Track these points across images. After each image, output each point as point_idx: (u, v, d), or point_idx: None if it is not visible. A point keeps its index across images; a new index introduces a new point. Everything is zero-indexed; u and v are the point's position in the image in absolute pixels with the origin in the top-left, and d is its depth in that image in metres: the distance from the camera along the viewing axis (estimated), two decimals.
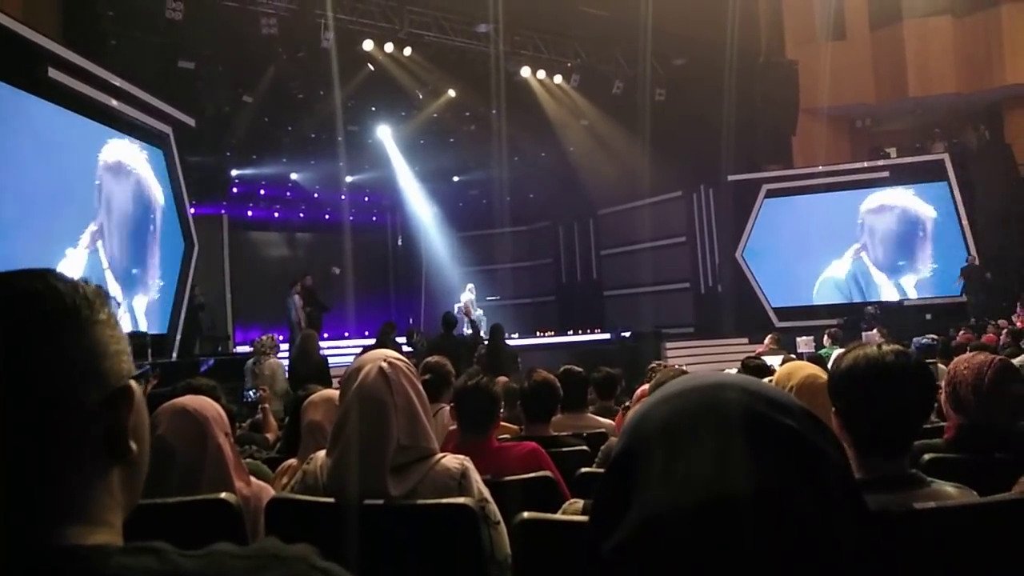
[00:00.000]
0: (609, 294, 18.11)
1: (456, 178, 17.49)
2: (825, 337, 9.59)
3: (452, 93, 13.22)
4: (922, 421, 1.64)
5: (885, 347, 1.57)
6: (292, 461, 2.49)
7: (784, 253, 14.50)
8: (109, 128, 9.28)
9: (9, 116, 7.37)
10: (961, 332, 9.16)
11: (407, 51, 11.95)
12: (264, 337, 8.41)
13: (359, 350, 8.70)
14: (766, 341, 9.83)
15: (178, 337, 10.80)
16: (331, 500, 1.79)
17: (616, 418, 3.78)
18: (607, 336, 15.12)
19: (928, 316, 12.79)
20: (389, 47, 11.79)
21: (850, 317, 12.71)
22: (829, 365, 2.32)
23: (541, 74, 13.34)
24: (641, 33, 11.44)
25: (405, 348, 10.11)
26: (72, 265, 8.25)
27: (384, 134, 15.01)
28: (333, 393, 2.48)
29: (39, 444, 0.62)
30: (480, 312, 13.69)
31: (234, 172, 15.55)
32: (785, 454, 0.55)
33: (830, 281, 14.69)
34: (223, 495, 1.81)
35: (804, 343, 10.24)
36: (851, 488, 0.57)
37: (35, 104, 7.86)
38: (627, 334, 13.75)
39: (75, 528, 0.62)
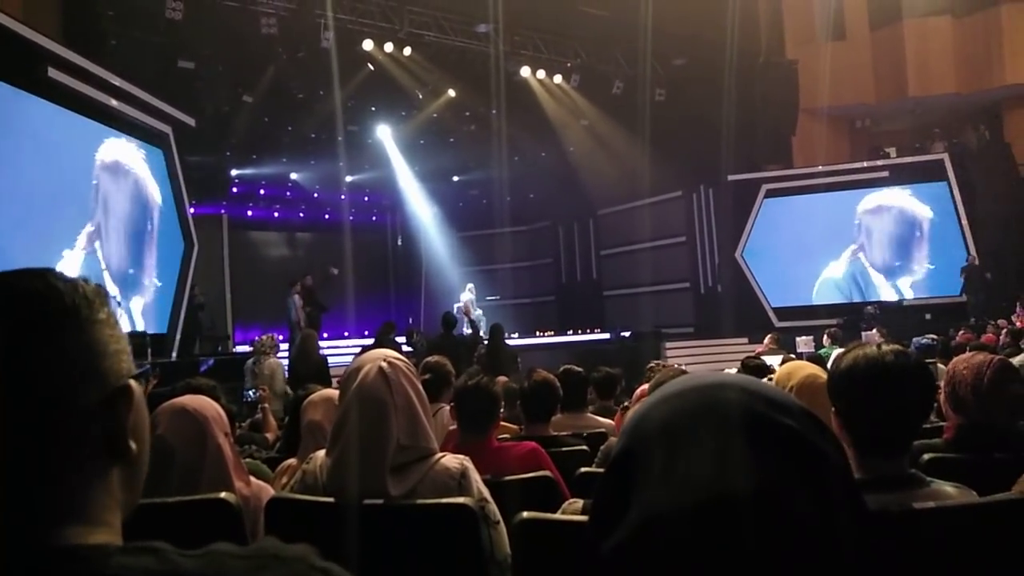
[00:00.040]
0: (609, 294, 18.11)
1: (456, 178, 17.50)
2: (824, 337, 9.59)
3: (452, 93, 13.23)
4: (922, 421, 1.64)
5: (885, 347, 1.57)
6: (292, 461, 2.49)
7: (784, 253, 14.50)
8: (107, 127, 9.27)
9: (7, 116, 7.37)
10: (961, 332, 9.16)
11: (407, 51, 11.95)
12: (264, 337, 8.41)
13: (358, 350, 8.71)
14: (766, 341, 9.83)
15: (178, 337, 10.80)
16: (331, 500, 1.79)
17: (615, 418, 3.78)
18: (607, 336, 15.12)
19: (927, 316, 12.79)
20: (389, 47, 11.80)
21: (849, 317, 12.72)
22: (828, 365, 2.32)
23: (541, 74, 13.34)
24: (641, 33, 11.44)
25: (405, 348, 10.11)
26: (69, 265, 8.25)
27: (384, 134, 15.02)
28: (333, 393, 2.48)
29: (38, 444, 0.62)
30: (480, 312, 13.69)
31: (234, 172, 15.55)
32: (785, 454, 0.55)
33: (830, 281, 14.69)
34: (223, 495, 1.81)
35: (804, 343, 10.24)
36: (851, 488, 0.57)
37: (33, 104, 7.85)
38: (627, 334, 13.75)
39: (74, 528, 0.62)
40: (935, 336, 7.41)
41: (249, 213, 17.63)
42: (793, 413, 0.57)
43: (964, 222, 13.74)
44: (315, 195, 17.30)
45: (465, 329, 11.53)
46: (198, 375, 6.25)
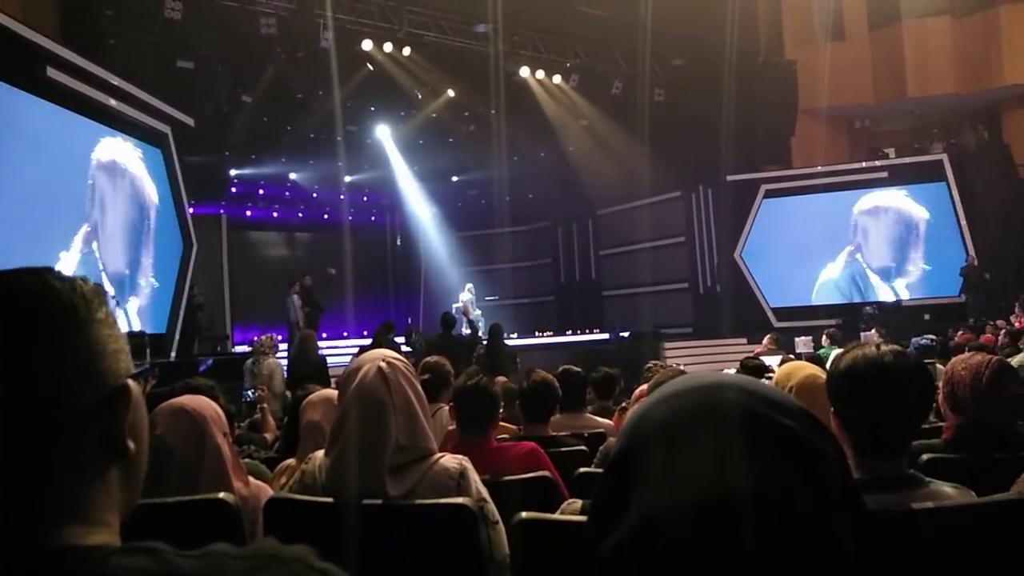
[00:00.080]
0: (608, 294, 18.11)
1: (455, 178, 17.50)
2: (823, 337, 9.60)
3: (451, 93, 13.22)
4: (921, 421, 1.64)
5: (884, 347, 1.58)
6: (291, 461, 2.49)
7: (783, 253, 14.51)
8: (105, 127, 9.25)
9: (5, 116, 7.36)
10: (960, 332, 9.16)
11: (406, 51, 11.95)
12: (263, 337, 8.42)
13: (357, 350, 8.72)
14: (764, 341, 9.84)
15: (177, 337, 10.79)
16: (330, 500, 1.79)
17: (613, 418, 3.78)
18: (606, 336, 15.13)
19: (926, 316, 12.80)
20: (388, 47, 11.79)
21: (848, 317, 12.72)
22: (827, 365, 2.32)
23: (540, 74, 13.35)
24: (640, 33, 11.44)
25: (404, 348, 10.11)
26: (68, 265, 8.24)
27: (383, 134, 15.01)
28: (332, 393, 2.48)
29: (37, 444, 0.62)
30: (479, 312, 13.68)
31: (233, 172, 15.55)
32: (784, 454, 0.55)
33: (829, 282, 14.70)
34: (221, 495, 1.81)
35: (802, 343, 10.25)
36: (850, 488, 0.57)
37: (30, 103, 7.84)
38: (626, 334, 13.75)
39: (73, 528, 0.62)
40: (934, 336, 7.42)
41: (248, 213, 17.62)
42: (792, 413, 0.57)
43: (963, 223, 13.75)
44: (314, 195, 17.29)
45: (464, 329, 11.53)
46: (197, 375, 6.24)
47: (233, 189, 16.38)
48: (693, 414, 0.57)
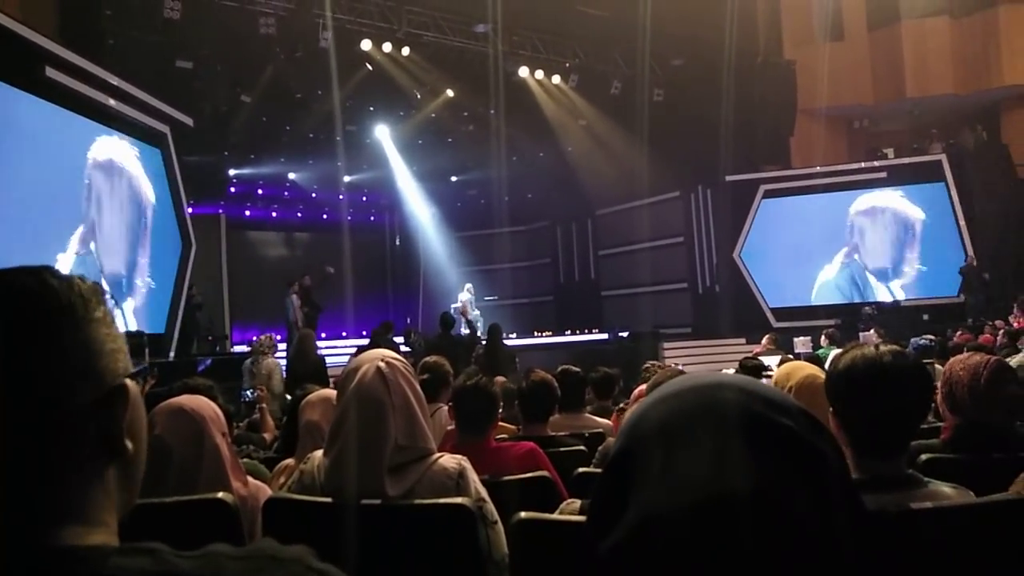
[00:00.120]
0: (607, 294, 18.11)
1: (454, 178, 17.49)
2: (822, 337, 9.61)
3: (450, 93, 13.22)
4: (919, 421, 1.64)
5: (883, 347, 1.58)
6: (289, 461, 2.49)
7: (782, 253, 14.51)
8: (101, 126, 9.23)
9: (3, 115, 7.35)
10: (958, 333, 9.17)
11: (405, 51, 11.95)
12: (262, 337, 8.42)
13: (355, 350, 8.71)
14: (763, 341, 9.84)
15: (176, 337, 10.78)
16: (328, 500, 1.79)
17: (612, 418, 3.78)
18: (605, 336, 15.13)
19: (925, 317, 12.80)
20: (387, 47, 11.79)
21: (847, 318, 12.73)
22: (826, 365, 2.32)
23: (539, 74, 13.35)
24: (639, 33, 11.44)
25: (403, 348, 10.11)
26: (64, 265, 8.23)
27: (382, 134, 15.01)
28: (331, 393, 2.48)
29: (35, 444, 0.62)
30: (477, 312, 13.68)
31: (232, 172, 15.54)
32: (783, 454, 0.55)
33: (828, 282, 14.71)
34: (220, 495, 1.81)
35: (801, 343, 10.26)
36: (848, 488, 0.57)
37: (29, 103, 7.83)
38: (625, 334, 13.75)
39: (72, 528, 0.62)
40: (932, 337, 7.42)
41: (247, 213, 17.61)
42: (791, 413, 0.57)
43: (962, 223, 13.75)
44: (313, 195, 17.28)
45: (463, 329, 11.53)
46: (196, 375, 6.24)
47: (232, 189, 16.37)
48: (692, 414, 0.57)
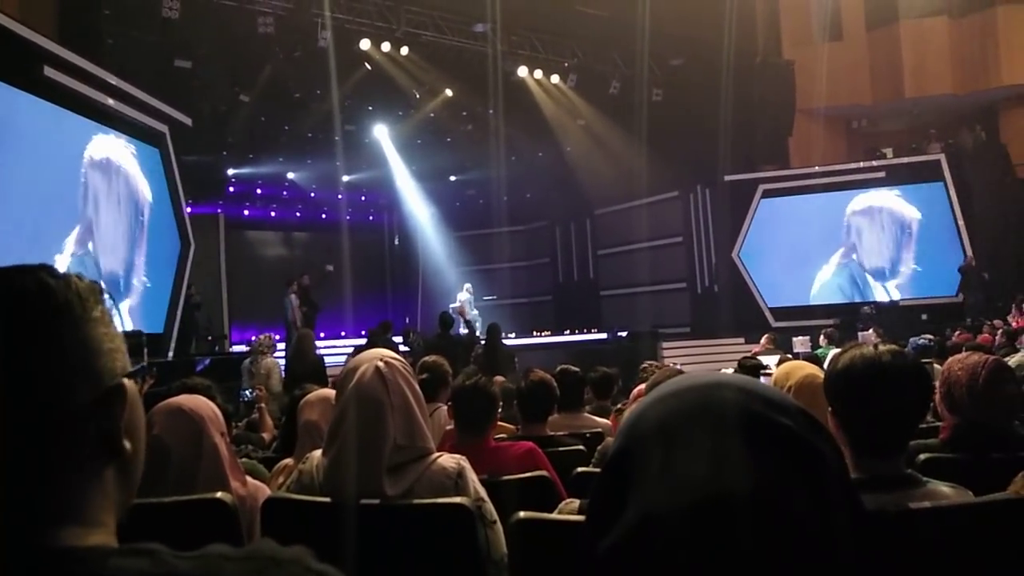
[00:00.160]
0: (606, 294, 18.12)
1: (453, 178, 17.49)
2: (821, 337, 9.62)
3: (449, 93, 13.22)
4: (918, 421, 1.64)
5: (881, 347, 1.58)
6: (288, 461, 2.49)
7: (780, 253, 14.51)
8: (98, 124, 9.21)
9: (1, 115, 7.34)
10: (957, 332, 9.18)
11: (404, 50, 11.94)
12: (262, 336, 8.43)
13: (352, 349, 8.72)
14: (762, 341, 9.85)
15: (174, 336, 10.78)
16: (327, 500, 1.79)
17: (610, 418, 3.79)
18: (604, 336, 15.13)
19: (924, 316, 12.81)
20: (386, 46, 11.79)
21: (846, 317, 12.73)
22: (825, 365, 2.32)
23: (538, 74, 13.34)
24: (638, 33, 11.44)
25: (402, 348, 10.11)
26: (63, 265, 8.21)
27: (381, 133, 15.01)
28: (329, 393, 2.48)
29: (33, 444, 0.61)
30: (476, 312, 13.69)
31: (230, 171, 15.53)
32: (782, 453, 0.55)
33: (826, 282, 14.72)
34: (219, 494, 1.81)
35: (800, 343, 10.27)
36: (847, 488, 0.57)
37: (28, 102, 7.82)
38: (624, 334, 13.76)
39: (71, 529, 0.62)
40: (931, 336, 7.43)
41: (246, 212, 17.60)
42: (790, 413, 0.57)
43: (960, 223, 13.76)
44: (312, 195, 17.28)
45: (461, 329, 11.53)
46: (194, 375, 6.23)
47: (231, 188, 16.36)
48: (691, 414, 0.57)
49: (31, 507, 0.61)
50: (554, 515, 1.82)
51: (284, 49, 11.03)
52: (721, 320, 13.79)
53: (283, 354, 9.54)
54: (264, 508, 1.86)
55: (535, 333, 17.08)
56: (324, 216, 18.05)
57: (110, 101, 9.24)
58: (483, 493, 1.88)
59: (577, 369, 3.98)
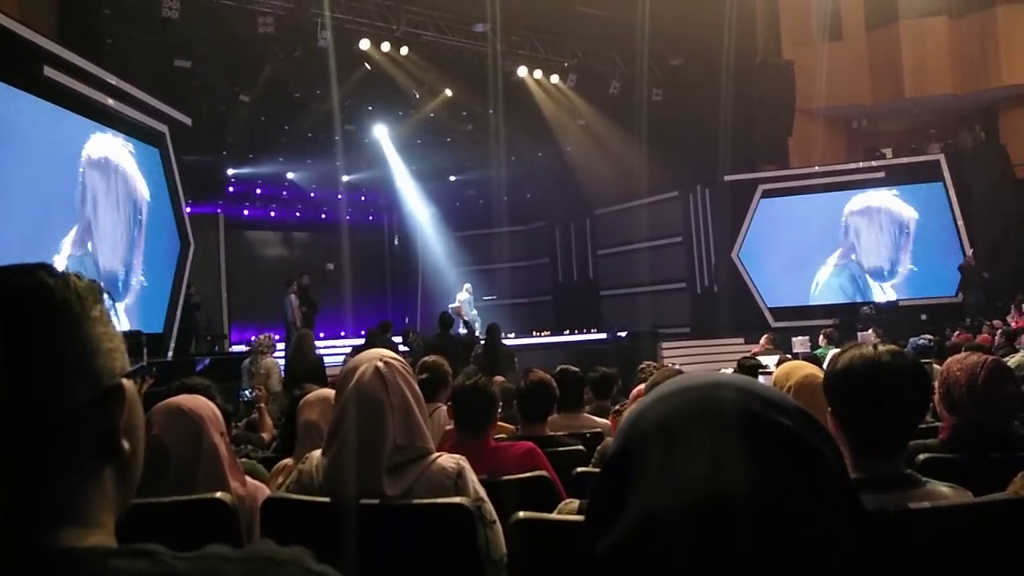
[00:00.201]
0: (605, 294, 18.12)
1: (453, 178, 17.49)
2: (820, 337, 9.62)
3: (449, 93, 13.22)
4: (918, 421, 1.64)
5: (881, 347, 1.58)
6: (288, 461, 2.49)
7: (780, 253, 14.52)
8: (95, 123, 9.20)
9: (1, 115, 7.34)
10: (957, 333, 9.18)
11: (404, 50, 11.94)
12: (262, 336, 8.44)
13: (350, 349, 8.71)
14: (762, 341, 9.86)
15: (174, 336, 10.77)
16: (327, 500, 1.79)
17: (609, 418, 3.78)
18: (603, 336, 15.14)
19: (923, 316, 12.81)
20: (386, 46, 11.79)
21: (846, 317, 12.74)
22: (824, 365, 2.32)
23: (538, 74, 13.35)
24: (638, 33, 11.45)
25: (401, 347, 10.11)
26: (62, 266, 8.17)
27: (381, 133, 15.01)
28: (329, 392, 2.48)
29: (31, 444, 0.61)
30: (475, 313, 13.69)
31: (230, 171, 15.53)
32: (781, 453, 0.55)
33: (829, 282, 14.72)
34: (218, 494, 1.81)
35: (800, 343, 10.27)
36: (847, 488, 0.57)
37: (27, 102, 7.81)
38: (623, 334, 13.76)
39: (70, 530, 0.61)
40: (931, 336, 7.43)
41: (245, 212, 17.60)
42: (789, 413, 0.57)
43: (960, 223, 13.76)
44: (311, 195, 17.28)
45: (460, 330, 11.52)
46: (194, 375, 6.23)
47: (230, 188, 16.36)
48: (690, 413, 0.57)
49: (30, 507, 0.61)
50: (554, 515, 1.82)
51: (284, 49, 11.03)
52: (721, 320, 13.79)
53: (283, 354, 9.53)
54: (263, 508, 1.86)
55: (535, 333, 17.08)
56: (324, 216, 18.05)
57: (110, 101, 9.24)
58: (483, 493, 1.88)
59: (577, 369, 3.98)
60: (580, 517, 1.67)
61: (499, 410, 2.73)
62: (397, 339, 11.07)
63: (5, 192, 7.47)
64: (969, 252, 13.10)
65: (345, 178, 16.16)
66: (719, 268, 15.26)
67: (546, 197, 18.41)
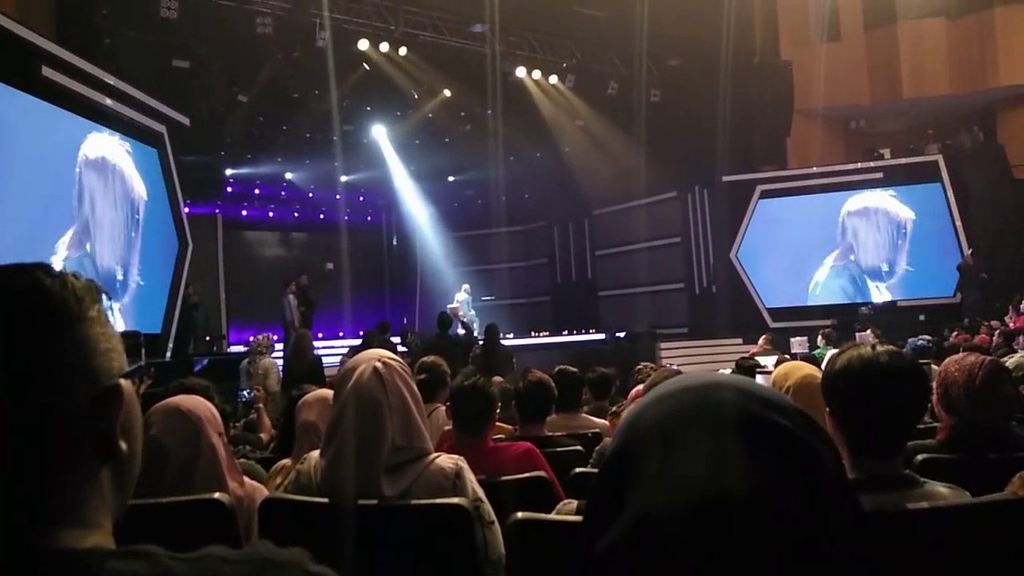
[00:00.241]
0: (604, 294, 18.12)
1: (451, 178, 17.50)
2: (819, 338, 9.63)
3: (447, 93, 13.22)
4: (916, 422, 1.64)
5: (879, 348, 1.58)
6: (286, 461, 2.49)
7: (778, 254, 14.53)
8: (93, 122, 9.18)
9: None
10: (955, 333, 9.20)
11: (402, 51, 11.94)
12: (260, 337, 8.44)
13: (347, 350, 8.69)
14: (760, 342, 9.87)
15: (172, 336, 10.77)
16: (325, 500, 1.78)
17: (607, 419, 3.78)
18: (602, 336, 15.14)
19: (921, 317, 12.83)
20: (384, 47, 11.79)
21: (844, 318, 12.75)
22: (823, 365, 2.33)
23: (536, 74, 13.35)
24: (636, 34, 11.45)
25: (400, 348, 10.10)
26: (57, 264, 8.15)
27: (379, 134, 15.01)
28: (327, 393, 2.47)
29: (29, 444, 0.61)
30: (473, 313, 13.69)
31: (229, 171, 15.53)
32: (779, 454, 0.55)
33: (824, 282, 14.73)
34: (216, 495, 1.81)
35: (798, 343, 10.28)
36: (845, 488, 0.57)
37: (25, 102, 7.80)
38: (622, 334, 13.76)
39: (69, 531, 0.61)
40: (930, 337, 7.44)
41: (244, 213, 17.59)
42: (787, 413, 0.57)
43: (958, 223, 13.78)
44: (310, 195, 17.27)
45: (459, 330, 11.52)
46: (192, 375, 6.22)
47: (229, 189, 16.35)
48: (688, 414, 0.57)
49: (28, 508, 0.61)
50: (552, 516, 1.82)
51: (282, 49, 11.02)
52: (719, 320, 13.81)
53: (281, 354, 9.53)
54: (262, 509, 1.86)
55: (533, 333, 17.08)
56: (322, 216, 18.05)
57: (108, 101, 9.23)
58: (481, 493, 1.88)
59: (575, 369, 3.98)
60: (578, 517, 1.68)
61: (497, 411, 2.73)
62: (395, 339, 11.07)
63: (3, 192, 7.46)
64: (967, 252, 13.11)
65: (344, 178, 16.16)
66: (717, 268, 15.27)
67: (544, 197, 18.42)
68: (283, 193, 17.47)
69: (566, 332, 16.87)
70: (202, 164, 13.71)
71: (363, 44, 11.62)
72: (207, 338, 13.30)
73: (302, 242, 18.56)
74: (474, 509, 1.79)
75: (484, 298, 16.91)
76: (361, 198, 18.34)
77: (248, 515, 1.91)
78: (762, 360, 5.95)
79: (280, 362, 8.70)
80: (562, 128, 14.50)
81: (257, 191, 17.24)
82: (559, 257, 19.66)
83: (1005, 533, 1.46)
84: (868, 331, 10.44)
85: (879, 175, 14.66)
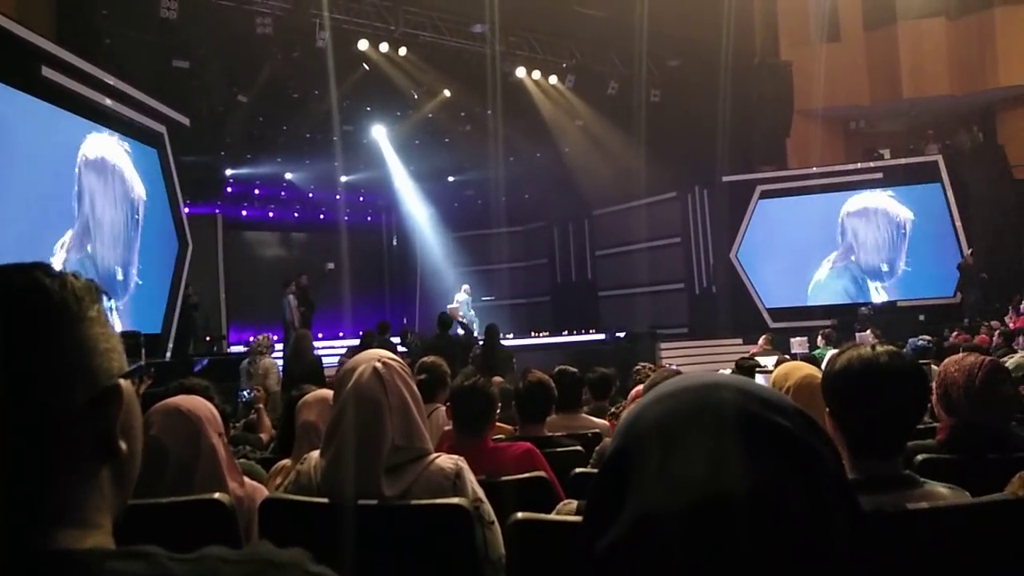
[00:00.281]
0: (604, 294, 18.12)
1: (451, 178, 17.49)
2: (819, 338, 9.63)
3: (447, 93, 13.22)
4: (916, 422, 1.64)
5: (879, 348, 1.58)
6: (286, 461, 2.49)
7: (778, 254, 14.53)
8: (92, 122, 9.18)
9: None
10: (955, 333, 9.20)
11: (402, 51, 11.94)
12: (260, 337, 8.44)
13: (345, 350, 8.67)
14: (760, 342, 9.86)
15: (172, 337, 10.76)
16: (325, 500, 1.78)
17: (607, 419, 3.79)
18: (602, 336, 15.14)
19: (921, 317, 12.83)
20: (384, 47, 11.79)
21: (844, 318, 12.75)
22: (823, 365, 2.33)
23: (536, 74, 13.35)
24: (636, 34, 11.45)
25: (400, 348, 10.10)
26: (57, 264, 8.15)
27: (379, 134, 15.00)
28: (327, 393, 2.47)
29: (29, 445, 0.61)
30: (472, 314, 13.68)
31: (228, 172, 15.52)
32: (779, 454, 0.55)
33: (824, 283, 14.74)
34: (216, 495, 1.81)
35: (798, 344, 10.28)
36: (845, 488, 0.57)
37: (24, 102, 7.80)
38: (622, 334, 13.77)
39: (68, 531, 0.61)
40: (929, 337, 7.44)
41: (244, 213, 17.59)
42: (787, 413, 0.57)
43: (958, 224, 13.78)
44: (310, 195, 17.27)
45: (459, 330, 11.51)
46: (192, 375, 6.22)
47: (229, 189, 16.34)
48: (688, 414, 0.57)
49: (28, 508, 0.60)
50: (552, 516, 1.82)
51: (282, 49, 11.02)
52: (719, 321, 13.81)
53: (281, 354, 9.53)
54: (262, 509, 1.86)
55: (533, 334, 17.08)
56: (322, 216, 18.04)
57: (108, 101, 9.23)
58: (481, 494, 1.88)
59: (575, 370, 3.98)
60: (578, 518, 1.68)
61: (497, 411, 2.73)
62: (395, 340, 11.07)
63: (3, 192, 7.46)
64: (967, 252, 13.12)
65: (343, 178, 16.16)
66: (717, 269, 15.27)
67: (544, 198, 18.42)
68: (283, 193, 17.47)
69: (566, 332, 16.87)
70: (202, 164, 13.71)
71: (363, 44, 11.62)
72: (207, 338, 13.30)
73: (302, 242, 18.56)
74: (474, 509, 1.79)
75: (484, 298, 16.91)
76: (361, 198, 18.33)
77: (248, 515, 1.91)
78: (762, 360, 5.96)
79: (280, 362, 8.70)
80: (562, 128, 14.50)
81: (257, 191, 17.24)
82: (559, 257, 19.66)
83: (1005, 533, 1.46)
84: (868, 331, 10.44)
85: (879, 175, 14.66)
